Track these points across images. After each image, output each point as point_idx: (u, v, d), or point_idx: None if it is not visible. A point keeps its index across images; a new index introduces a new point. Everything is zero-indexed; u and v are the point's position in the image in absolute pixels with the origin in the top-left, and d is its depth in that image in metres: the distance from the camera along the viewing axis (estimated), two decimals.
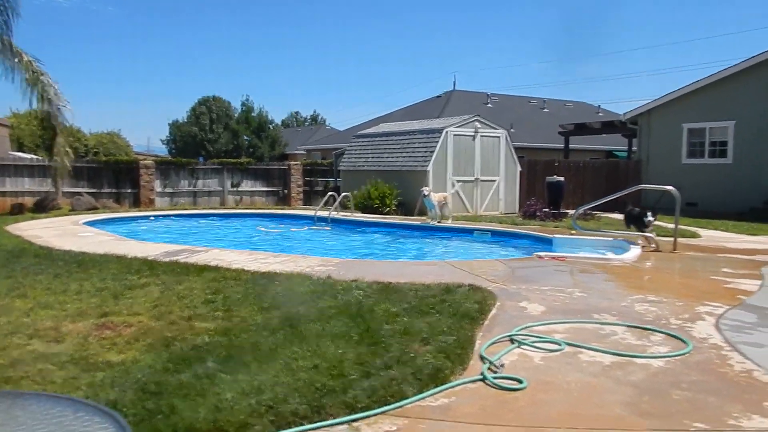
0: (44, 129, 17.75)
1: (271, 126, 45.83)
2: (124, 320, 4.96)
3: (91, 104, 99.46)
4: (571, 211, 14.96)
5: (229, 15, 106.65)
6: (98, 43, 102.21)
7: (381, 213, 16.27)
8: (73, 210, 17.18)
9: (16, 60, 14.91)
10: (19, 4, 14.93)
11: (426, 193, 13.63)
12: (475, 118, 17.38)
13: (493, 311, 5.26)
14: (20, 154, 23.23)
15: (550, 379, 3.73)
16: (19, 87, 15.00)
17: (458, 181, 16.84)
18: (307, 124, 73.15)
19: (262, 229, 15.04)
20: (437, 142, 16.51)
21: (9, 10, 14.77)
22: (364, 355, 3.99)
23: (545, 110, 37.06)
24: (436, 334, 4.40)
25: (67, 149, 16.26)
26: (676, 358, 4.17)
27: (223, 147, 40.90)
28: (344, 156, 20.63)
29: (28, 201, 17.86)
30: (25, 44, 15.40)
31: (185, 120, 43.14)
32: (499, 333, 4.58)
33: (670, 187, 9.69)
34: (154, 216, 16.44)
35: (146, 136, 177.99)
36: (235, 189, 21.60)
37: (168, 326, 4.75)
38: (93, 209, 17.43)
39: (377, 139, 19.44)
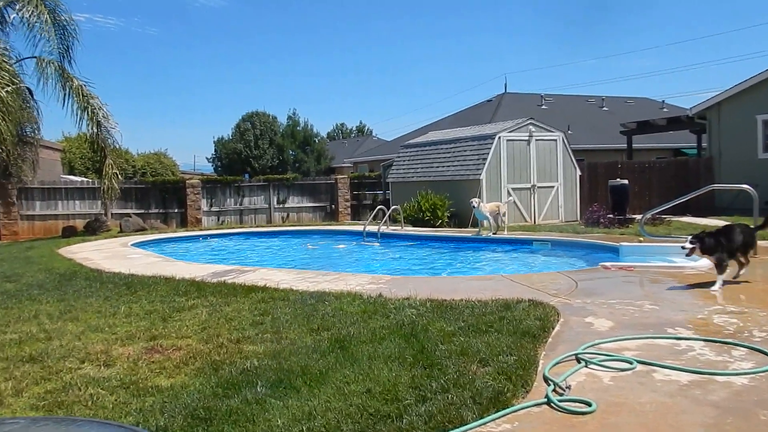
0: (94, 151, 18.56)
1: (316, 139, 46.43)
2: (173, 343, 5.08)
3: (138, 125, 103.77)
4: (637, 217, 14.51)
5: (271, 28, 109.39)
6: (143, 65, 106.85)
7: (433, 226, 16.20)
8: (122, 231, 17.83)
9: (68, 85, 15.70)
10: (79, 32, 15.89)
11: (475, 204, 13.40)
12: (529, 122, 17.15)
13: (557, 328, 5.12)
14: (71, 177, 24.39)
15: (621, 401, 3.60)
16: (70, 111, 15.84)
17: (513, 189, 16.61)
18: (353, 135, 73.84)
19: (310, 246, 15.21)
20: (489, 148, 16.36)
21: (71, 37, 15.72)
22: (419, 377, 3.95)
23: (604, 109, 36.25)
24: (495, 354, 4.32)
25: (116, 171, 16.93)
26: (762, 374, 3.95)
27: (268, 163, 41.65)
28: (392, 167, 20.69)
29: (79, 223, 18.67)
30: (77, 68, 16.14)
31: (230, 137, 44.20)
32: (564, 352, 4.45)
33: (745, 186, 9.27)
34: (201, 236, 16.87)
35: (192, 154, 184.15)
36: (281, 206, 21.96)
37: (216, 349, 4.83)
38: (141, 230, 18.03)
39: (426, 148, 19.42)
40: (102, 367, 4.54)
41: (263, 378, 4.06)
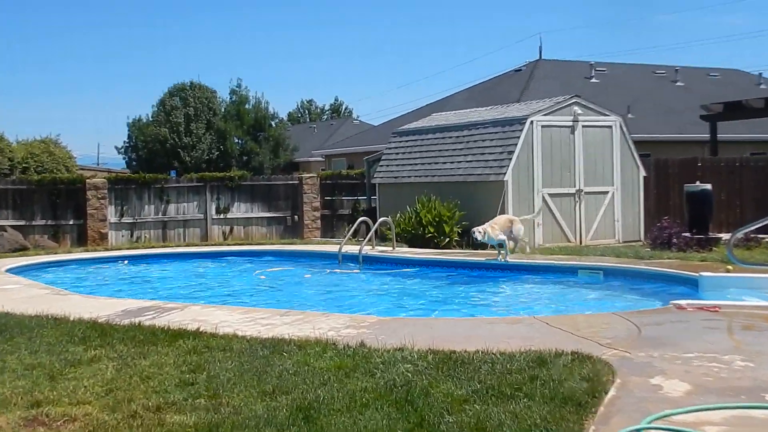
0: None
1: (273, 122, 46.57)
2: (65, 412, 5.04)
3: (16, 102, 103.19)
4: (724, 236, 14.61)
5: None
6: (23, 18, 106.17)
7: (437, 246, 16.23)
8: None
9: None
10: None
11: (479, 237, 13.33)
12: (574, 100, 17.27)
13: (612, 392, 5.15)
14: None
15: None
16: None
17: (551, 195, 16.68)
18: (325, 117, 74.15)
19: (262, 275, 15.18)
20: (518, 137, 16.43)
21: None
22: None
23: (679, 84, 36.63)
24: (524, 430, 4.34)
25: None
26: None
27: (204, 155, 41.69)
28: (381, 163, 20.73)
29: None
30: None
31: (150, 118, 44.17)
32: (622, 426, 4.47)
33: None
34: (107, 258, 16.79)
35: (95, 142, 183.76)
36: (222, 216, 21.92)
37: (127, 420, 4.80)
38: (21, 250, 17.94)
39: (429, 136, 19.49)
40: None
41: None
